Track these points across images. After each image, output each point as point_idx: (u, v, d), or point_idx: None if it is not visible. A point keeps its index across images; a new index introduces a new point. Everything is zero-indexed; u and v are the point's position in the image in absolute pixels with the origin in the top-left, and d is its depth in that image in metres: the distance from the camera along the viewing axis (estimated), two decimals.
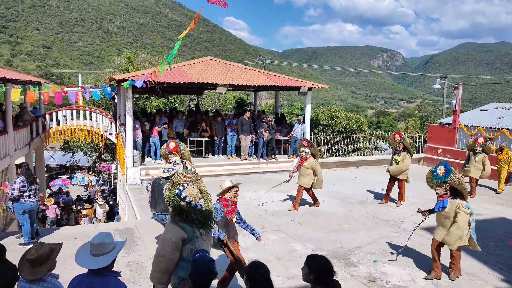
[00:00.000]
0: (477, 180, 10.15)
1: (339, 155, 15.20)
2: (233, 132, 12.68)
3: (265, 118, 12.82)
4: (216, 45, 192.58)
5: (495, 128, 13.82)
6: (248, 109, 18.43)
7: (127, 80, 9.99)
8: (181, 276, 3.49)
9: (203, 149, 12.64)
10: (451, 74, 46.07)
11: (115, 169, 22.61)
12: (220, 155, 12.96)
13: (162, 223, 5.83)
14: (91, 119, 14.48)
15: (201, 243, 3.65)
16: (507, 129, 13.21)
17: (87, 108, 15.00)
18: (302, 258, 5.73)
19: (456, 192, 5.20)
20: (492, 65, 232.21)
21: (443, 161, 5.58)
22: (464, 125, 14.42)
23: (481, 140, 10.10)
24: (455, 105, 14.33)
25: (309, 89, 13.12)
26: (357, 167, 14.01)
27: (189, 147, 12.52)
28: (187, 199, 3.59)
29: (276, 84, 12.75)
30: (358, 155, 15.66)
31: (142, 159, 11.78)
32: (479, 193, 10.46)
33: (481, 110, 25.54)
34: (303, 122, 13.25)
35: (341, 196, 9.94)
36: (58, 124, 14.19)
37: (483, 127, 13.80)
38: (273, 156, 13.04)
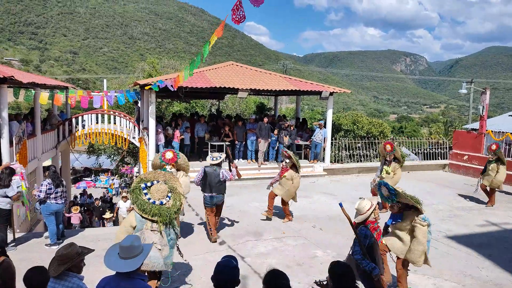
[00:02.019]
0: (492, 188, 9.51)
1: (360, 161, 14.98)
2: (253, 136, 12.70)
3: (284, 124, 12.79)
4: (237, 50, 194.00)
5: None
6: (268, 113, 18.45)
7: (150, 84, 10.18)
8: None
9: (224, 153, 12.70)
10: (477, 78, 44.79)
11: (137, 172, 23.02)
12: (241, 159, 13.00)
13: (218, 203, 6.81)
14: (115, 123, 14.80)
15: (151, 235, 4.20)
16: None
17: (111, 112, 15.35)
18: (324, 264, 5.68)
19: (409, 207, 4.75)
20: None
21: (381, 181, 5.15)
22: (492, 131, 13.96)
23: (494, 147, 9.63)
24: (482, 110, 13.91)
25: (331, 93, 13.02)
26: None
27: (210, 151, 12.64)
28: (147, 196, 4.29)
29: (297, 89, 12.71)
30: (380, 161, 15.38)
31: None
32: (506, 201, 10.09)
33: (509, 115, 24.71)
34: (324, 127, 13.15)
35: None
36: (84, 127, 14.58)
37: (511, 133, 13.31)
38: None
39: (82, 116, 14.75)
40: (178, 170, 6.53)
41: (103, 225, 14.61)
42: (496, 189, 9.60)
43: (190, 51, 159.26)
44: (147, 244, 3.05)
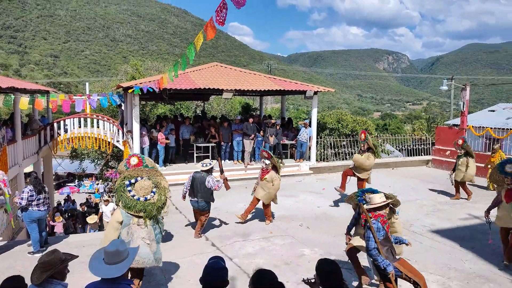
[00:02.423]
0: (463, 183, 9.69)
1: (346, 159, 15.13)
2: (239, 137, 12.70)
3: (268, 123, 12.83)
4: (221, 51, 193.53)
5: (503, 129, 13.70)
6: (254, 114, 18.46)
7: (133, 87, 10.08)
8: None
9: (210, 154, 12.66)
10: (457, 75, 45.79)
11: None
12: (227, 160, 12.98)
13: (200, 208, 6.84)
14: (98, 127, 14.59)
15: (139, 230, 4.33)
16: None
17: (94, 115, 15.13)
18: (311, 262, 5.71)
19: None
20: (499, 66, 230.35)
21: (368, 188, 5.19)
22: (472, 126, 14.28)
23: (460, 142, 9.88)
24: (463, 106, 14.21)
25: (315, 92, 13.12)
26: None
27: (196, 153, 12.58)
28: (132, 193, 4.38)
29: (282, 89, 12.76)
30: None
31: None
32: (487, 194, 10.34)
33: (489, 111, 25.37)
34: (310, 126, 13.23)
35: None
36: (66, 132, 14.33)
37: (491, 128, 13.65)
38: (279, 161, 13.01)
39: (64, 121, 14.50)
40: None
41: (85, 231, 14.39)
42: (468, 183, 9.83)
43: (174, 53, 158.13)
44: (132, 248, 3.01)
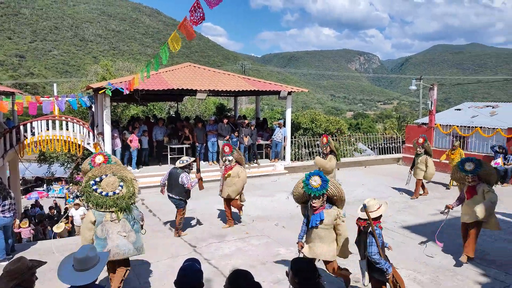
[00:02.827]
0: (422, 181, 9.91)
1: None
2: (214, 138, 12.63)
3: (243, 123, 12.84)
4: (195, 51, 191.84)
5: (469, 127, 14.26)
6: (228, 114, 18.42)
7: (104, 88, 9.83)
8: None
9: (184, 155, 12.52)
10: (425, 75, 47.31)
11: None
12: (202, 161, 12.87)
13: (175, 205, 6.98)
14: (67, 129, 14.13)
15: (113, 225, 4.42)
16: (480, 127, 13.64)
17: (63, 118, 14.65)
18: (287, 262, 5.74)
19: (332, 201, 4.70)
20: (464, 66, 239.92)
21: (315, 170, 4.95)
22: (440, 125, 14.80)
23: (421, 140, 10.00)
24: (431, 105, 14.71)
25: (289, 93, 13.22)
26: (338, 169, 14.11)
27: (170, 155, 12.41)
28: (98, 190, 4.45)
29: (256, 89, 12.79)
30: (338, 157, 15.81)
31: None
32: (453, 190, 10.73)
33: (455, 109, 26.36)
34: (284, 126, 13.33)
35: None
36: (33, 135, 13.79)
37: (458, 126, 14.20)
38: (255, 161, 13.06)
39: (31, 123, 13.95)
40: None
41: (55, 237, 13.88)
42: (426, 181, 10.04)
43: (146, 53, 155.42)
44: (103, 253, 2.93)
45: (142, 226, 4.91)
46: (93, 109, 14.22)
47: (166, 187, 7.07)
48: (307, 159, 15.07)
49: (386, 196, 9.89)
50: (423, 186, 10.08)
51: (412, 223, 7.87)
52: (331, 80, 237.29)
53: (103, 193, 4.45)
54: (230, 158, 7.35)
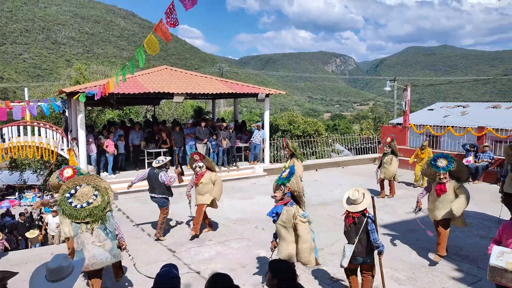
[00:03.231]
0: (386, 180, 9.97)
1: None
2: (192, 141, 12.53)
3: (221, 126, 12.80)
4: (172, 53, 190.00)
5: (441, 126, 14.70)
6: (206, 117, 18.33)
7: (77, 92, 9.59)
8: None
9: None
10: (399, 76, 48.52)
11: None
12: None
13: (159, 204, 7.15)
14: (40, 135, 13.70)
15: (87, 236, 4.45)
16: (452, 126, 14.08)
17: (35, 123, 14.20)
18: (267, 264, 5.75)
19: (295, 199, 4.71)
20: (436, 67, 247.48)
21: (291, 166, 5.09)
22: (414, 125, 15.19)
23: (388, 140, 10.05)
24: (405, 106, 15.08)
25: (267, 95, 13.28)
26: (316, 170, 14.31)
27: (147, 159, 12.23)
28: (73, 203, 4.47)
29: (234, 92, 12.78)
30: (316, 158, 16.01)
31: (98, 174, 11.32)
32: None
33: (428, 109, 27.13)
34: (262, 128, 13.37)
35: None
36: (4, 141, 13.31)
37: (431, 126, 14.62)
38: (234, 164, 13.03)
39: (1, 129, 13.46)
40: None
41: (27, 246, 13.44)
42: (394, 181, 10.00)
43: (121, 56, 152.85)
44: (77, 261, 2.85)
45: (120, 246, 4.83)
46: (66, 114, 13.87)
47: (148, 189, 7.24)
48: (286, 161, 15.15)
49: None
50: (382, 187, 10.10)
51: (388, 222, 8.03)
52: (309, 82, 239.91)
53: (78, 206, 4.49)
54: (201, 164, 7.21)
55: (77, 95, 9.61)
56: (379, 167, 10.22)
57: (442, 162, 5.87)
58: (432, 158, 6.10)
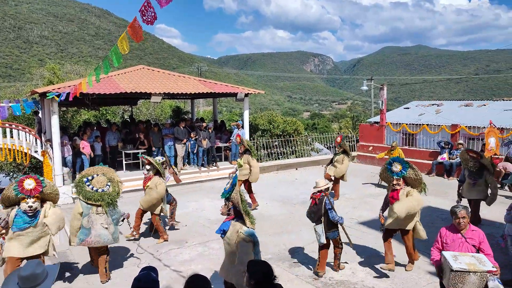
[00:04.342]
0: (336, 179, 9.72)
1: (278, 158, 15.52)
2: (170, 142, 12.37)
3: (201, 126, 12.70)
4: (149, 53, 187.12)
5: (417, 124, 15.05)
6: (185, 117, 18.15)
7: (50, 92, 9.31)
8: (81, 238, 5.22)
9: (140, 161, 12.15)
10: (376, 76, 49.51)
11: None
12: None
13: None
14: (12, 137, 13.24)
15: (97, 218, 5.28)
16: (427, 124, 14.44)
17: (6, 125, 13.71)
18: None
19: (238, 214, 4.17)
20: (411, 67, 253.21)
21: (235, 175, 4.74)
22: (391, 123, 15.49)
23: (338, 140, 9.93)
24: (381, 104, 15.36)
25: (246, 95, 13.26)
26: (296, 169, 14.39)
27: (125, 160, 12.00)
28: (90, 186, 5.35)
29: (213, 91, 12.70)
30: (296, 157, 16.11)
31: (73, 176, 11.03)
32: None
33: (404, 108, 27.71)
34: (242, 127, 13.33)
35: (283, 198, 10.12)
36: None
37: (407, 124, 14.94)
38: (214, 164, 12.95)
39: None
40: (43, 201, 4.97)
41: None
42: (343, 180, 9.79)
43: (97, 55, 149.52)
44: (52, 267, 2.75)
45: (123, 219, 5.77)
46: (39, 115, 13.46)
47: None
48: (266, 160, 15.18)
49: (341, 193, 10.17)
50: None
51: (368, 219, 8.15)
52: (288, 81, 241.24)
53: (94, 188, 5.33)
54: (148, 167, 6.98)
55: (52, 96, 9.31)
56: (328, 165, 9.96)
57: (396, 167, 5.43)
58: (388, 161, 5.58)
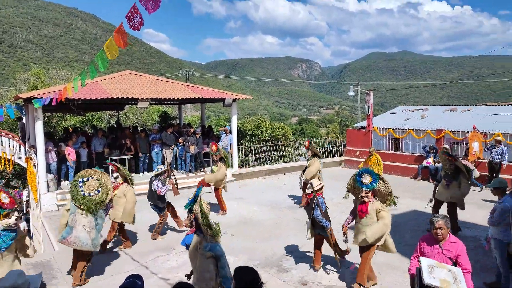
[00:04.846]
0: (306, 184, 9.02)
1: (266, 163, 15.53)
2: (158, 147, 12.28)
3: (188, 132, 12.65)
4: (137, 58, 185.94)
5: (403, 129, 15.22)
6: (173, 122, 18.05)
7: (35, 98, 9.17)
8: (63, 236, 5.34)
9: (127, 167, 12.01)
10: (363, 81, 50.08)
11: (27, 196, 20.51)
12: (146, 172, 12.45)
13: (156, 211, 7.42)
14: None
15: (81, 218, 5.40)
16: (413, 129, 14.63)
17: None
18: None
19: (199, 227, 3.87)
20: (397, 72, 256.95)
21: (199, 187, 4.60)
22: (377, 128, 15.66)
23: (306, 144, 9.77)
24: (368, 109, 15.53)
25: (234, 100, 13.26)
26: (284, 174, 14.41)
27: (111, 167, 11.83)
28: (81, 188, 5.48)
29: (200, 97, 12.67)
30: (284, 162, 16.15)
31: (58, 183, 10.85)
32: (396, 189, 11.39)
33: (390, 113, 28.03)
34: (230, 133, 13.32)
35: (271, 203, 10.12)
36: None
37: (393, 129, 15.13)
38: (202, 169, 12.89)
39: None
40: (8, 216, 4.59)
41: None
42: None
43: (83, 60, 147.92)
44: (34, 276, 2.69)
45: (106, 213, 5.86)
46: (23, 120, 13.23)
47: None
48: (254, 165, 15.18)
49: (329, 198, 10.20)
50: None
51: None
52: (276, 86, 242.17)
53: (82, 192, 5.45)
54: (115, 175, 6.83)
55: (39, 105, 9.12)
56: (303, 172, 9.65)
57: (366, 179, 5.08)
58: (358, 172, 5.22)
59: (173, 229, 7.97)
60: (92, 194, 5.47)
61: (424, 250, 3.95)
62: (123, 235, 7.03)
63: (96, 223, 5.46)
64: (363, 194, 5.05)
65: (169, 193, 7.51)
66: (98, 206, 5.53)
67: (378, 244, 5.09)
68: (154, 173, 7.43)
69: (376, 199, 5.11)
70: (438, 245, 3.86)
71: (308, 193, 5.62)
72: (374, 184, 5.06)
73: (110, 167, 7.12)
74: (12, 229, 4.27)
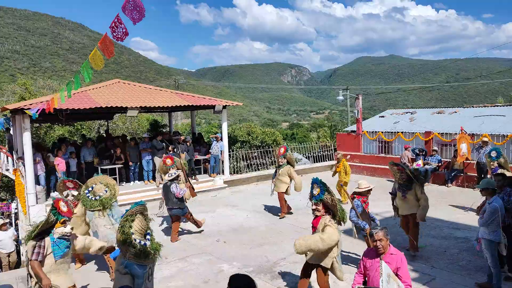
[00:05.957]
0: (282, 194, 8.95)
1: (258, 169, 15.52)
2: (148, 156, 12.20)
3: (179, 139, 12.60)
4: (125, 66, 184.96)
5: (392, 132, 15.37)
6: (163, 130, 17.97)
7: (22, 109, 9.06)
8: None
9: (117, 177, 11.90)
10: (352, 85, 50.54)
11: (15, 209, 20.14)
12: (137, 181, 12.35)
13: (174, 214, 7.62)
14: None
15: (100, 220, 5.86)
16: (402, 132, 14.78)
17: None
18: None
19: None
20: (385, 76, 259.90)
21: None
22: (367, 132, 15.79)
23: (282, 150, 9.08)
24: (357, 113, 15.66)
25: (224, 107, 13.26)
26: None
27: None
28: (90, 196, 5.99)
29: (190, 104, 12.65)
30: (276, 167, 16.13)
31: (48, 195, 10.69)
32: (384, 191, 11.44)
33: (379, 116, 28.28)
34: (221, 139, 13.30)
35: (264, 209, 10.10)
36: None
37: (382, 132, 15.26)
38: (193, 177, 12.82)
39: None
40: None
41: None
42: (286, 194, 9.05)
43: (72, 70, 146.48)
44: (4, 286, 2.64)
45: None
46: (11, 131, 13.04)
47: (164, 204, 7.70)
48: (246, 171, 15.15)
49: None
50: (283, 203, 9.09)
51: (345, 227, 8.19)
52: (266, 92, 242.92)
53: (92, 198, 5.96)
54: (75, 193, 6.30)
55: (35, 117, 9.00)
56: (273, 178, 9.20)
57: (315, 190, 4.70)
58: (311, 181, 4.89)
59: (165, 239, 7.89)
60: (102, 194, 5.98)
61: (366, 264, 3.74)
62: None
63: (115, 218, 5.88)
64: (313, 207, 4.66)
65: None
66: (112, 200, 6.06)
67: (323, 266, 4.58)
68: (167, 178, 7.60)
69: (328, 214, 4.61)
70: (379, 258, 3.64)
71: (355, 194, 5.87)
72: (321, 195, 4.60)
73: (68, 183, 6.47)
74: (67, 238, 4.35)
